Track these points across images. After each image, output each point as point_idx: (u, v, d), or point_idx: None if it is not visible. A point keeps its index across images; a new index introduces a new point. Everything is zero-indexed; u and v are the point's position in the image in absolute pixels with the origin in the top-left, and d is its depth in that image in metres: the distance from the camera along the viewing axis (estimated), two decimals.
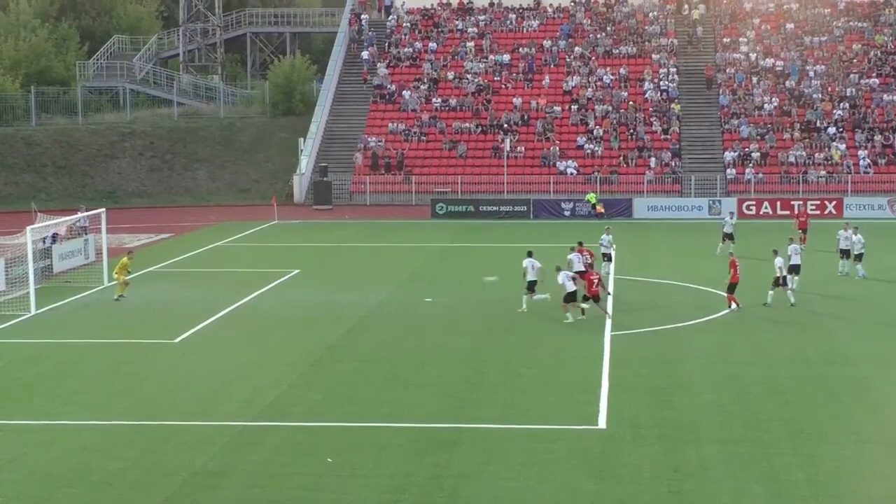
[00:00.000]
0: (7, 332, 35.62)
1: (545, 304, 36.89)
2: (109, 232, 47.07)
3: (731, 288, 36.98)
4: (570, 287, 35.37)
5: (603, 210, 64.28)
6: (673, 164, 70.42)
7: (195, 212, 69.31)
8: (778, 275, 37.35)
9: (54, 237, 46.05)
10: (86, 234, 50.25)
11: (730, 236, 49.50)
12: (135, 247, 39.07)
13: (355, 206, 70.10)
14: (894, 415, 25.77)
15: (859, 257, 43.14)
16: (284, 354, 32.00)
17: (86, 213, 48.73)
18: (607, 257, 44.17)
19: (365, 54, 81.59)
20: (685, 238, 57.07)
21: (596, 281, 36.05)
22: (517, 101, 76.04)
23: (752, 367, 29.87)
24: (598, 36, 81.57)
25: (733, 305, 36.82)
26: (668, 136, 72.43)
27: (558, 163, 70.78)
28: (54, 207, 58.56)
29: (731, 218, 51.31)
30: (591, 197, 65.36)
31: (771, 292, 37.43)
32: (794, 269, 39.71)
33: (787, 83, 75.80)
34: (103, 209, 47.00)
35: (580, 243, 40.04)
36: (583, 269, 37.36)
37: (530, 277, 37.34)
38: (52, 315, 38.09)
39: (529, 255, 38.01)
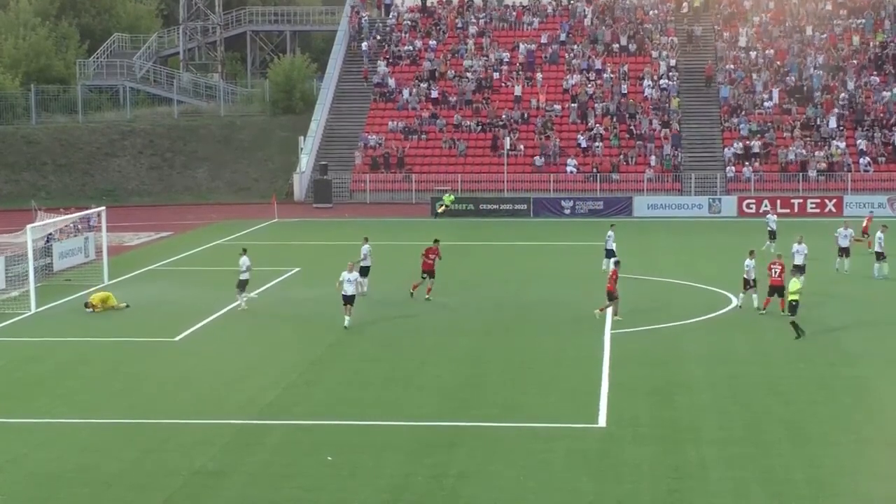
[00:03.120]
0: (7, 330, 35.61)
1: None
2: (109, 230, 47.09)
3: (771, 290, 36.07)
4: (350, 290, 34.49)
5: (441, 211, 64.32)
6: (674, 154, 70.39)
7: (195, 210, 69.30)
8: (747, 277, 36.55)
9: (48, 237, 45.90)
10: (91, 231, 50.87)
11: (772, 234, 49.34)
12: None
13: (355, 205, 70.09)
14: (894, 415, 25.76)
15: (881, 256, 42.85)
16: (284, 354, 32.00)
17: (88, 211, 48.52)
18: (611, 253, 44.40)
19: (364, 45, 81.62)
20: (685, 236, 57.06)
21: (608, 274, 36.05)
22: (517, 99, 76.04)
23: (752, 366, 29.87)
24: (598, 31, 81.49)
25: (767, 307, 36.07)
26: (669, 130, 72.31)
27: (558, 158, 70.76)
28: (54, 206, 58.48)
29: (773, 215, 51.34)
30: (449, 199, 65.25)
31: (741, 294, 36.96)
32: (797, 270, 39.39)
33: (788, 80, 75.77)
34: (103, 207, 47.03)
35: (436, 241, 40.47)
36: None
37: (365, 263, 39.25)
38: (53, 313, 38.07)
39: (366, 240, 40.27)
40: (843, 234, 44.24)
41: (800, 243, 40.26)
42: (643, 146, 71.71)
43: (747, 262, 36.74)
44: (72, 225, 48.18)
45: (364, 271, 39.90)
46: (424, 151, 73.60)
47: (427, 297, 39.02)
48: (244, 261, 37.73)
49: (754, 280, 36.60)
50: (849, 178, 68.17)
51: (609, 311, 35.31)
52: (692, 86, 77.57)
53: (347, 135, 75.92)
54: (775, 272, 35.71)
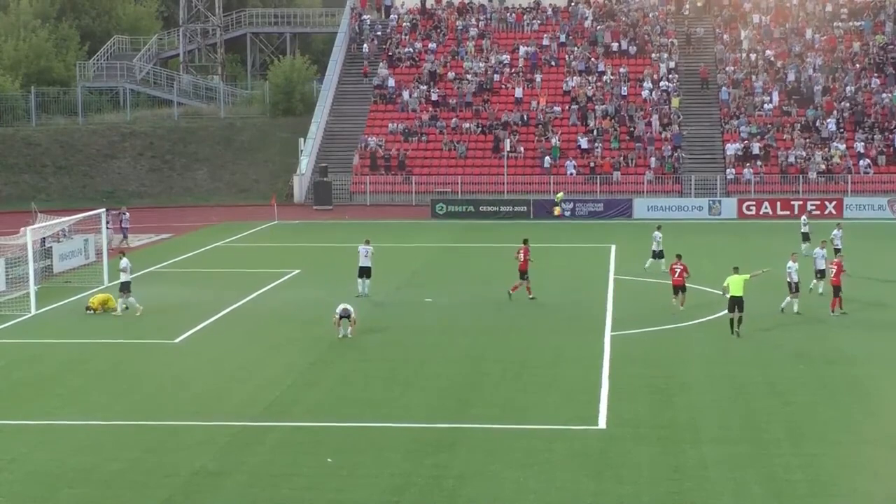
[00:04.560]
0: (7, 332, 35.61)
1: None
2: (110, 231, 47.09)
3: (836, 290, 36.35)
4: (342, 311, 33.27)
5: (558, 213, 64.61)
6: (675, 154, 70.40)
7: (195, 212, 69.29)
8: (789, 280, 36.26)
9: (43, 241, 45.88)
10: (126, 234, 54.62)
11: (806, 236, 49.25)
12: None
13: (355, 207, 70.10)
14: (894, 415, 25.77)
15: None
16: (284, 354, 32.01)
17: (90, 212, 48.42)
18: (657, 254, 44.82)
19: (365, 47, 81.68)
20: (685, 238, 56.90)
21: (679, 270, 36.91)
22: (517, 101, 76.09)
23: (752, 366, 29.87)
24: (597, 30, 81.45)
25: (836, 310, 36.19)
26: (669, 132, 72.28)
27: (548, 159, 70.69)
28: (54, 208, 58.53)
29: (806, 217, 51.27)
30: (559, 197, 65.42)
31: (788, 299, 36.44)
32: (819, 274, 39.14)
33: (787, 82, 75.79)
34: (103, 209, 47.04)
35: (525, 241, 40.66)
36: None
37: (363, 263, 39.78)
38: (53, 315, 38.06)
39: (367, 242, 40.48)
40: (837, 237, 44.43)
41: (822, 248, 39.93)
42: (643, 148, 71.73)
43: (789, 264, 36.46)
44: (61, 230, 47.93)
45: (365, 272, 40.03)
46: (425, 153, 73.61)
47: (530, 296, 39.19)
48: (124, 263, 37.92)
49: (797, 283, 36.32)
50: (849, 180, 68.15)
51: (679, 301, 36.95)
52: (692, 87, 77.59)
53: (347, 136, 75.92)
54: (831, 272, 36.49)
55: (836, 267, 36.49)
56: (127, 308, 37.67)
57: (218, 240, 56.51)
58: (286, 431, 24.79)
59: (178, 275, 46.52)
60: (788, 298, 36.38)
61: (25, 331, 35.81)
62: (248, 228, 61.06)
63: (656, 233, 45.50)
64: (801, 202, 64.87)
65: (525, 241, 40.74)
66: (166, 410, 26.42)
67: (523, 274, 39.52)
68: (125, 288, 37.65)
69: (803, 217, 51.36)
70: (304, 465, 22.54)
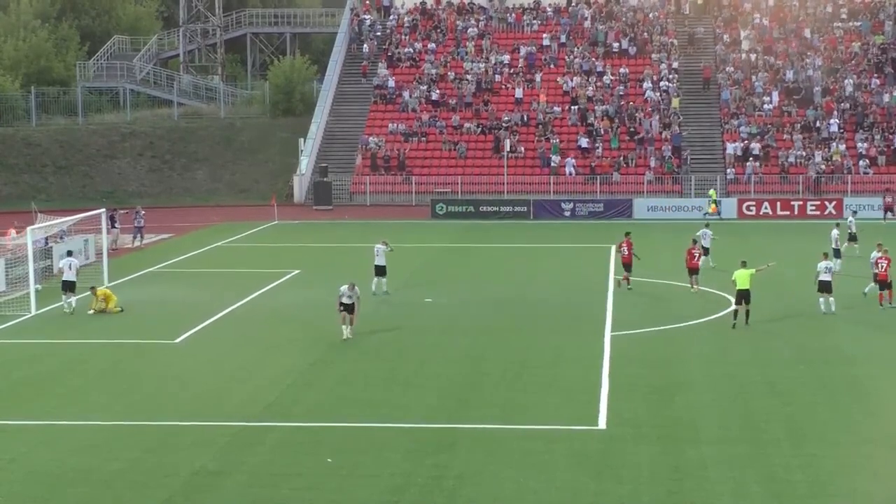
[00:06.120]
0: (7, 332, 35.60)
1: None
2: (110, 232, 47.02)
3: (887, 285, 36.81)
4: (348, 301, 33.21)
5: (715, 210, 64.21)
6: (674, 156, 70.41)
7: (195, 212, 69.29)
8: (825, 279, 36.11)
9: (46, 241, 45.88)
10: (141, 234, 55.18)
11: (854, 237, 49.06)
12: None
13: (355, 207, 70.11)
14: (894, 415, 25.77)
15: None
16: (284, 354, 32.00)
17: (89, 213, 48.36)
18: (706, 250, 45.38)
19: (364, 47, 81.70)
20: (685, 238, 56.85)
21: (697, 255, 39.89)
22: (517, 101, 76.08)
23: (752, 367, 29.87)
24: (598, 30, 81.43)
25: (884, 303, 36.85)
26: (669, 132, 72.29)
27: (556, 157, 70.69)
28: (54, 208, 58.51)
29: (854, 216, 51.26)
30: (713, 193, 65.53)
31: (831, 299, 36.27)
32: (879, 281, 38.01)
33: (787, 82, 75.77)
34: (103, 209, 47.02)
35: (627, 233, 42.16)
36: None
37: (378, 262, 40.29)
38: (53, 315, 38.05)
39: (385, 243, 40.91)
40: (834, 236, 44.67)
41: (879, 250, 39.38)
42: (643, 148, 71.74)
43: (822, 264, 36.42)
44: (59, 231, 47.87)
45: (378, 271, 40.43)
46: (425, 153, 73.62)
47: (628, 287, 40.83)
48: (72, 262, 38.07)
49: (830, 282, 36.31)
50: (849, 181, 68.17)
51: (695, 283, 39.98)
52: (692, 87, 77.59)
53: (347, 137, 75.93)
54: (882, 267, 36.96)
55: (886, 262, 36.83)
56: (71, 305, 37.88)
57: (218, 240, 56.53)
58: (286, 431, 24.79)
59: (178, 275, 46.51)
60: (831, 299, 36.26)
61: (25, 331, 35.81)
62: (248, 228, 61.07)
63: (706, 230, 46.35)
64: (801, 202, 64.90)
65: (627, 234, 42.17)
66: (166, 410, 26.41)
67: (627, 266, 41.20)
68: (69, 287, 37.81)
69: (850, 218, 51.21)
70: (304, 465, 22.54)
